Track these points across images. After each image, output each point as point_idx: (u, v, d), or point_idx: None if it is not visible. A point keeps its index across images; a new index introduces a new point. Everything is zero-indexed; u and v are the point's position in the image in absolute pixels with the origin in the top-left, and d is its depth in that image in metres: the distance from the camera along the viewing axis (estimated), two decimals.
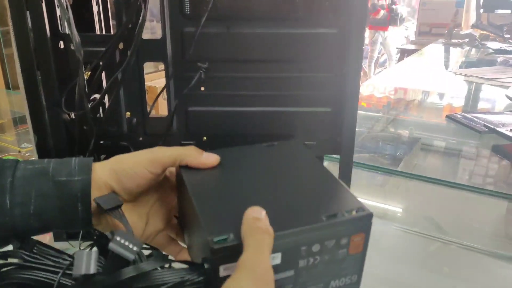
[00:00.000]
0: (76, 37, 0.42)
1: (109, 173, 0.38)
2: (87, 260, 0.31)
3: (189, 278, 0.32)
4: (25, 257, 0.34)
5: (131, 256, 0.31)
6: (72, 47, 0.44)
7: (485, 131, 1.13)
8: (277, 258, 0.33)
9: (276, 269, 0.33)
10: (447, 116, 1.29)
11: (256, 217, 0.32)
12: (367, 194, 0.85)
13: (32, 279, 0.33)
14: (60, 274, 0.32)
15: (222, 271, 0.32)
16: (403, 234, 0.72)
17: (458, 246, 0.67)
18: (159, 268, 0.33)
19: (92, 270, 0.30)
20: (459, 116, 1.26)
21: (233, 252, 0.30)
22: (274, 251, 0.32)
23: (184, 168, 0.40)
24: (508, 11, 2.78)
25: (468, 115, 1.25)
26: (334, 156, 0.51)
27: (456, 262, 0.64)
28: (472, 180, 0.93)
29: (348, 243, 0.35)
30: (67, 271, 0.32)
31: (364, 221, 0.35)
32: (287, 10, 0.45)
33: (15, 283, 0.33)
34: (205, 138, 0.50)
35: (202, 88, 0.48)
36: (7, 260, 0.34)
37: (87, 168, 0.37)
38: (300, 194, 0.38)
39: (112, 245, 0.31)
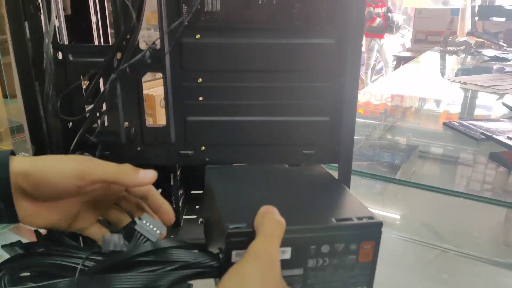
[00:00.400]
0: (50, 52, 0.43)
1: (24, 176, 0.35)
2: (114, 240, 0.35)
3: (203, 261, 0.35)
4: (51, 246, 0.37)
5: (153, 239, 0.35)
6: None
7: (482, 139, 1.13)
8: (287, 253, 0.35)
9: (286, 264, 0.35)
10: (444, 124, 1.29)
11: (269, 211, 0.34)
12: (366, 202, 0.84)
13: (57, 264, 0.35)
14: (84, 258, 0.35)
15: (234, 256, 0.34)
16: (401, 242, 0.72)
17: (457, 253, 0.67)
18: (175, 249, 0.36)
19: (119, 248, 0.35)
20: (456, 123, 1.26)
21: (246, 239, 0.33)
22: (284, 245, 0.34)
23: (210, 173, 0.44)
24: (503, 19, 2.81)
25: (465, 123, 1.26)
26: (333, 164, 0.51)
27: (454, 270, 0.64)
28: (470, 187, 0.93)
29: (357, 249, 0.36)
30: (91, 256, 0.35)
31: (373, 228, 0.37)
32: (284, 21, 0.45)
33: (38, 270, 0.36)
34: (203, 147, 0.50)
35: (201, 98, 0.48)
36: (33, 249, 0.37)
37: (3, 165, 0.34)
38: (315, 202, 0.41)
39: (138, 227, 0.36)
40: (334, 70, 0.47)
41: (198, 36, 0.45)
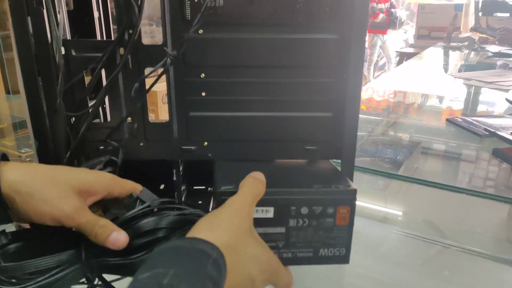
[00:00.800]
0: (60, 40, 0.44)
1: (15, 189, 0.35)
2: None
3: (198, 212, 0.41)
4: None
5: (148, 202, 0.41)
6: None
7: (486, 135, 1.13)
8: (270, 212, 0.41)
9: (270, 222, 0.41)
10: (447, 120, 1.29)
11: (253, 175, 0.40)
12: (368, 198, 0.85)
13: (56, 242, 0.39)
14: None
15: None
16: (403, 238, 0.72)
17: (459, 250, 0.67)
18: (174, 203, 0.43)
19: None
20: (459, 119, 1.26)
21: None
22: (267, 205, 0.40)
23: (217, 164, 0.49)
24: (507, 14, 2.79)
25: (468, 119, 1.25)
26: (336, 160, 0.51)
27: (456, 266, 0.64)
28: (472, 183, 0.93)
29: (334, 213, 0.42)
30: None
31: (348, 195, 0.42)
32: (287, 16, 0.45)
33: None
34: (206, 143, 0.50)
35: (203, 93, 0.48)
36: None
37: None
38: (303, 175, 0.46)
39: (137, 195, 0.42)
40: (337, 66, 0.47)
41: (201, 31, 0.45)
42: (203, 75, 0.47)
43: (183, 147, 0.50)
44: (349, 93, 0.47)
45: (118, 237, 0.37)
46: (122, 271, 0.38)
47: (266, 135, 0.50)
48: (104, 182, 0.41)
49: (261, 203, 0.40)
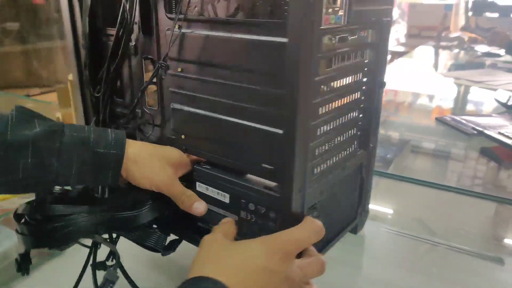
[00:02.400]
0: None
1: (132, 162, 0.45)
2: None
3: None
4: None
5: None
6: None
7: (474, 134, 1.14)
8: (227, 198, 0.46)
9: (226, 207, 0.46)
10: (436, 118, 1.30)
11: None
12: None
13: None
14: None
15: (197, 187, 0.48)
16: (392, 236, 0.72)
17: (447, 248, 0.68)
18: None
19: None
20: (448, 118, 1.27)
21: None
22: (225, 191, 0.46)
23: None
24: (496, 15, 2.82)
25: (457, 118, 1.26)
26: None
27: (445, 263, 0.64)
28: (460, 182, 0.93)
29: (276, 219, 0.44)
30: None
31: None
32: (237, 14, 0.42)
33: None
34: (183, 136, 0.50)
35: (180, 87, 0.48)
36: None
37: (121, 144, 0.44)
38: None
39: None
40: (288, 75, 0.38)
41: (177, 26, 0.45)
42: (179, 69, 0.47)
43: (168, 136, 0.52)
44: (300, 109, 0.38)
45: (199, 206, 0.46)
46: (127, 224, 0.45)
47: (229, 140, 0.45)
48: (186, 159, 0.49)
49: (221, 187, 0.46)
